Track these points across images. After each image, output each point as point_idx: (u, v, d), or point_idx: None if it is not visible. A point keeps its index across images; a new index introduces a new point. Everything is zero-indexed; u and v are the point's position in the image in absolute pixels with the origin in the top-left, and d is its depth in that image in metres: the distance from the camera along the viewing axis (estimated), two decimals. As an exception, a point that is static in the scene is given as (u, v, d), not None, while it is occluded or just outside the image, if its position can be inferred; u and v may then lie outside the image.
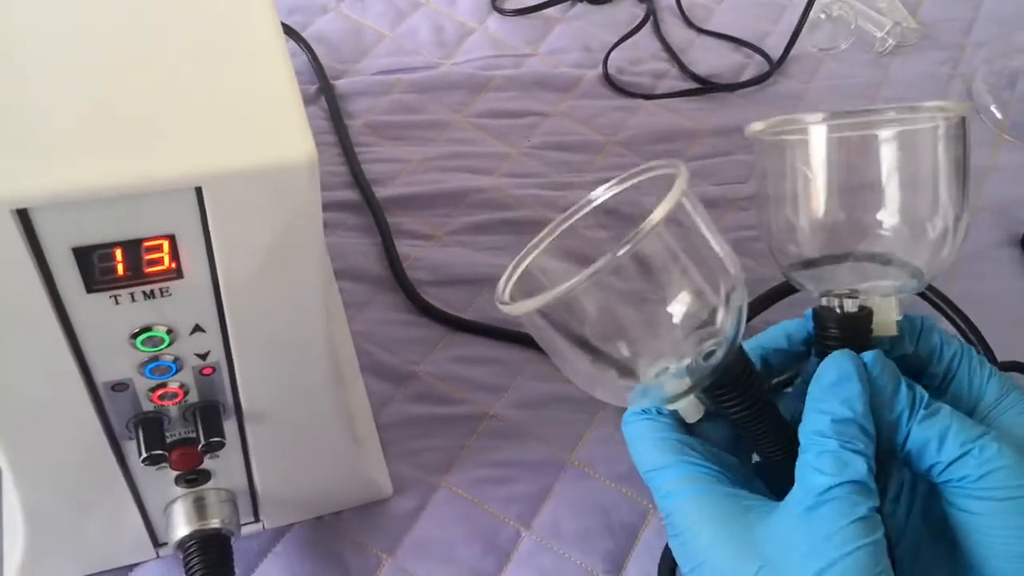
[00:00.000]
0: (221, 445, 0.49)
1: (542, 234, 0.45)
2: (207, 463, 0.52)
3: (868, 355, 0.42)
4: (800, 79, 1.00)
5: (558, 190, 0.83)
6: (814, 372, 0.42)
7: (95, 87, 0.39)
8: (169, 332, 0.43)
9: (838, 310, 0.44)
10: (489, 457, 0.65)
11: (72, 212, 0.37)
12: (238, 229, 0.40)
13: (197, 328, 0.44)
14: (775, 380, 0.47)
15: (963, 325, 0.67)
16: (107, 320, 0.41)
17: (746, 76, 0.99)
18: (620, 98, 0.94)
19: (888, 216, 0.43)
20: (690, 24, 1.04)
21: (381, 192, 0.81)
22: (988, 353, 0.68)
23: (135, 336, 0.43)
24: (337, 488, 0.60)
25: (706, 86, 0.97)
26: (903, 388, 0.41)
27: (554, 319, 0.40)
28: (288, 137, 0.39)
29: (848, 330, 0.43)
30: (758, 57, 1.01)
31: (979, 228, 0.86)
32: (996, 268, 0.83)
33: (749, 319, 0.42)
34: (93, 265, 0.39)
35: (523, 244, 0.46)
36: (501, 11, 1.01)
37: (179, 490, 0.53)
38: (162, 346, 0.44)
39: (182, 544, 0.53)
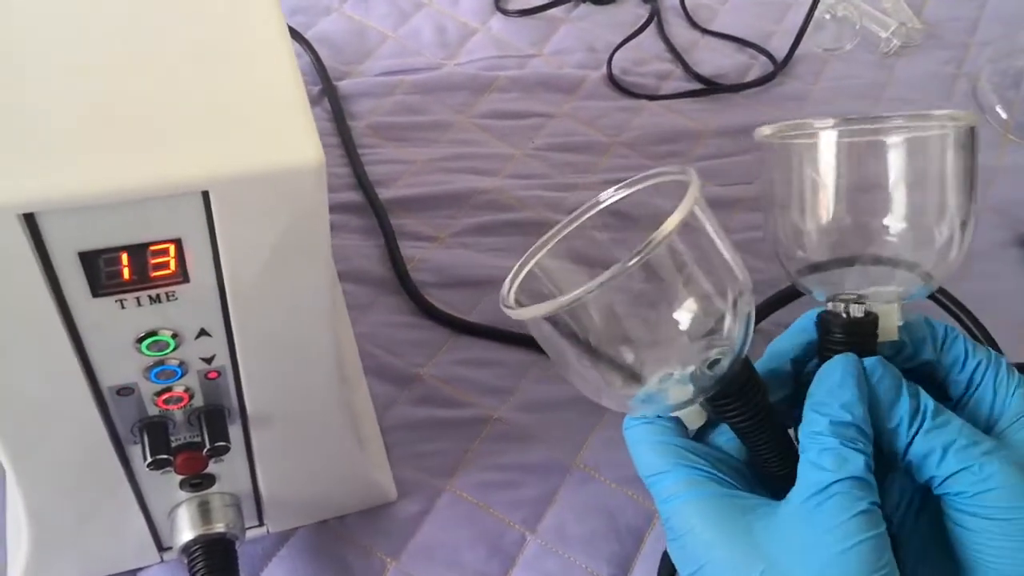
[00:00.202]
0: (226, 449, 0.49)
1: (547, 235, 0.45)
2: (211, 467, 0.52)
3: (869, 361, 0.42)
4: (805, 80, 0.99)
5: (562, 191, 0.83)
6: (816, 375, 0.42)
7: (101, 89, 0.39)
8: (174, 336, 0.43)
9: (844, 315, 0.43)
10: (494, 460, 0.65)
11: (78, 217, 0.37)
12: (245, 233, 0.40)
13: (203, 332, 0.44)
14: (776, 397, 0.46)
15: (973, 327, 0.67)
16: (112, 324, 0.41)
17: (751, 77, 0.99)
18: (624, 99, 0.94)
19: (895, 221, 0.43)
20: (694, 24, 1.04)
21: (384, 194, 0.81)
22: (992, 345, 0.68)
23: (140, 340, 0.43)
24: (341, 492, 0.60)
25: (710, 87, 0.96)
26: (904, 397, 0.41)
27: (560, 325, 0.40)
28: (295, 140, 0.39)
29: (854, 335, 0.43)
30: (763, 58, 1.01)
31: (984, 228, 0.85)
32: (1001, 268, 0.83)
33: (757, 322, 0.42)
34: (99, 269, 0.39)
35: (527, 245, 0.46)
36: (504, 12, 1.01)
37: (183, 494, 0.53)
38: (167, 350, 0.44)
39: (186, 548, 0.53)
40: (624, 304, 0.39)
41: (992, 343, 0.67)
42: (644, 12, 1.04)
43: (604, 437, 0.67)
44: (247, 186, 0.38)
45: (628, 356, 0.40)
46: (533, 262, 0.44)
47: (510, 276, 0.44)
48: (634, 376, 0.41)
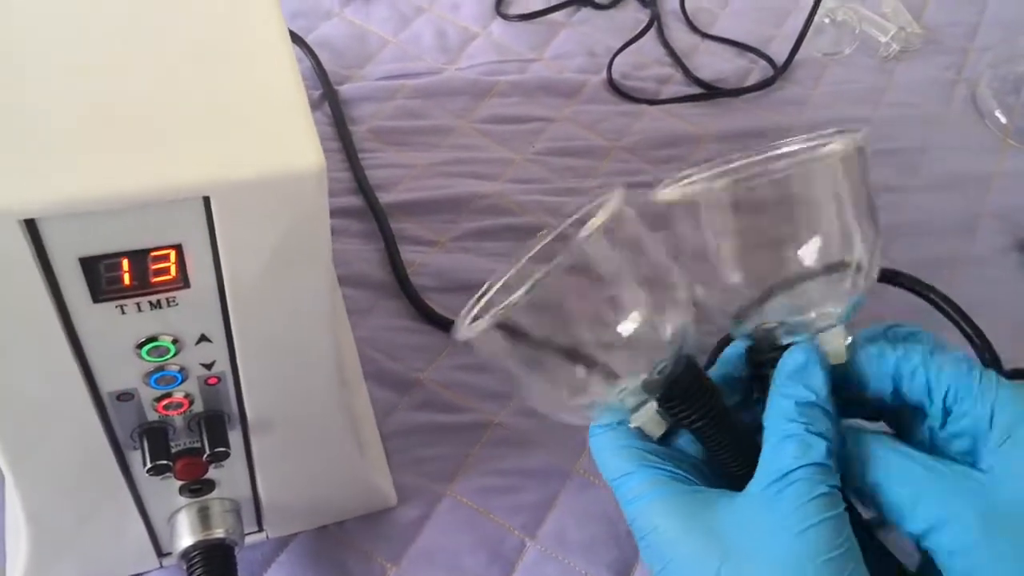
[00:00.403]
0: (226, 455, 0.48)
1: (502, 271, 0.45)
2: (211, 473, 0.52)
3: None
4: (805, 84, 1.00)
5: (562, 196, 0.83)
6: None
7: (102, 94, 0.39)
8: (175, 342, 0.43)
9: (768, 348, 0.44)
10: (494, 466, 0.65)
11: (79, 222, 0.36)
12: (245, 238, 0.40)
13: (203, 338, 0.43)
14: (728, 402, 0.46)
15: (972, 333, 0.67)
16: (113, 330, 0.41)
17: (751, 81, 0.99)
18: (624, 103, 0.94)
19: (806, 255, 0.42)
20: (694, 29, 1.04)
21: (385, 198, 0.81)
22: (995, 362, 0.68)
23: (141, 346, 0.42)
24: (341, 497, 0.60)
25: (710, 91, 0.96)
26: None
27: (502, 341, 0.40)
28: (296, 145, 0.39)
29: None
30: (763, 62, 1.01)
31: (984, 233, 0.86)
32: (1001, 273, 0.83)
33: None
34: (99, 275, 0.39)
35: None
36: (505, 16, 1.01)
37: (183, 500, 0.53)
38: (168, 356, 0.44)
39: (186, 554, 0.52)
40: (563, 315, 0.39)
41: (990, 349, 0.67)
42: (644, 17, 1.04)
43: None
44: (248, 191, 0.38)
45: (579, 372, 0.41)
46: (490, 294, 0.44)
47: (465, 308, 0.44)
48: (584, 390, 0.42)
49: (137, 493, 0.51)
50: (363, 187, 0.81)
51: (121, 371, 0.44)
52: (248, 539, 0.58)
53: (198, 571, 0.52)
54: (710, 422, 0.42)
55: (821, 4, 1.01)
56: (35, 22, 0.42)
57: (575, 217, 0.44)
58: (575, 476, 0.65)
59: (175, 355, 0.44)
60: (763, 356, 0.44)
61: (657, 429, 0.43)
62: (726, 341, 0.61)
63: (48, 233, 0.36)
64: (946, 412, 0.42)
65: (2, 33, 0.41)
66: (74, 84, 0.39)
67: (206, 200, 0.38)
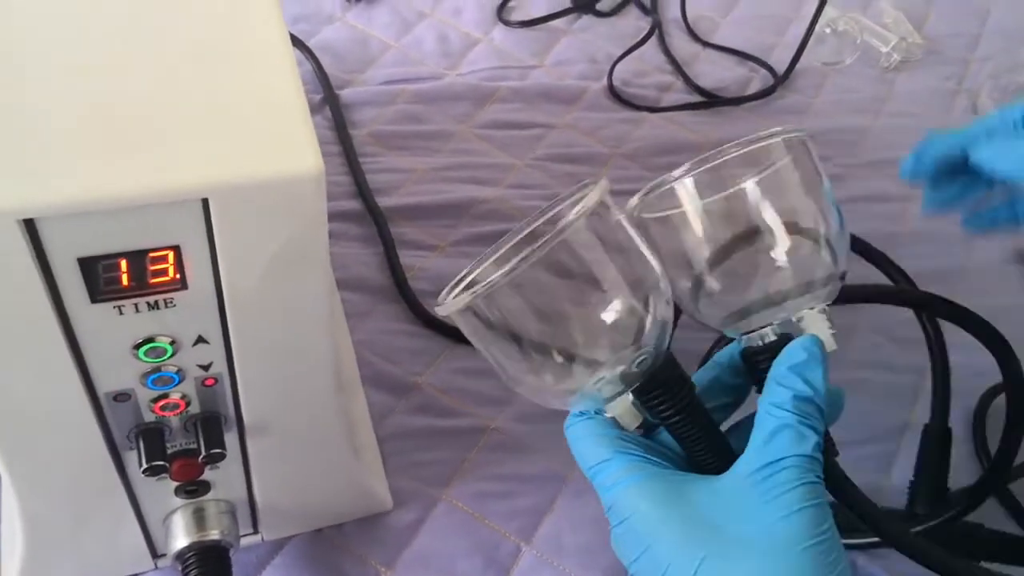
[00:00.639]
0: (222, 456, 0.49)
1: (491, 249, 0.45)
2: (207, 474, 0.52)
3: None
4: (805, 93, 1.00)
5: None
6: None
7: (101, 96, 0.39)
8: (172, 343, 0.43)
9: (760, 343, 0.45)
10: (490, 470, 0.65)
11: (78, 223, 0.37)
12: (243, 240, 0.40)
13: (200, 339, 0.44)
14: (713, 404, 0.47)
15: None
16: (110, 330, 0.41)
17: (751, 90, 0.99)
18: (625, 110, 0.94)
19: (777, 255, 0.44)
20: (695, 37, 1.04)
21: (384, 202, 0.81)
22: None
23: (138, 347, 0.43)
24: (337, 500, 0.60)
25: (711, 99, 0.97)
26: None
27: (486, 321, 0.41)
28: (295, 148, 0.39)
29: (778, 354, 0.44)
30: (763, 71, 1.01)
31: (983, 244, 0.86)
32: (1001, 284, 0.83)
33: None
34: (98, 275, 0.39)
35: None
36: (507, 22, 1.01)
37: (179, 501, 0.53)
38: (165, 357, 0.44)
39: (181, 555, 0.53)
40: (544, 299, 0.40)
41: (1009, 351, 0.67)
42: (646, 24, 1.04)
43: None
44: (247, 194, 0.38)
45: (555, 356, 0.41)
46: (476, 272, 0.44)
47: (450, 285, 0.44)
48: (564, 376, 0.42)
49: (133, 494, 0.51)
50: (363, 191, 0.81)
51: (118, 371, 0.44)
52: (243, 541, 0.58)
53: (193, 572, 0.52)
54: (685, 417, 0.43)
55: (822, 14, 1.01)
56: (35, 24, 0.42)
57: (561, 207, 0.44)
58: (571, 481, 0.65)
59: (172, 356, 0.44)
60: (757, 356, 0.45)
61: (632, 421, 0.44)
62: (718, 344, 0.62)
63: (47, 233, 0.37)
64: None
65: (2, 34, 0.41)
66: (73, 85, 0.39)
67: (205, 202, 0.38)
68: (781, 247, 0.43)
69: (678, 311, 0.46)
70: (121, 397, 0.45)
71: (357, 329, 0.72)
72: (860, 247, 0.61)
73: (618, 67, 0.98)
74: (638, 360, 0.42)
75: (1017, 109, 0.54)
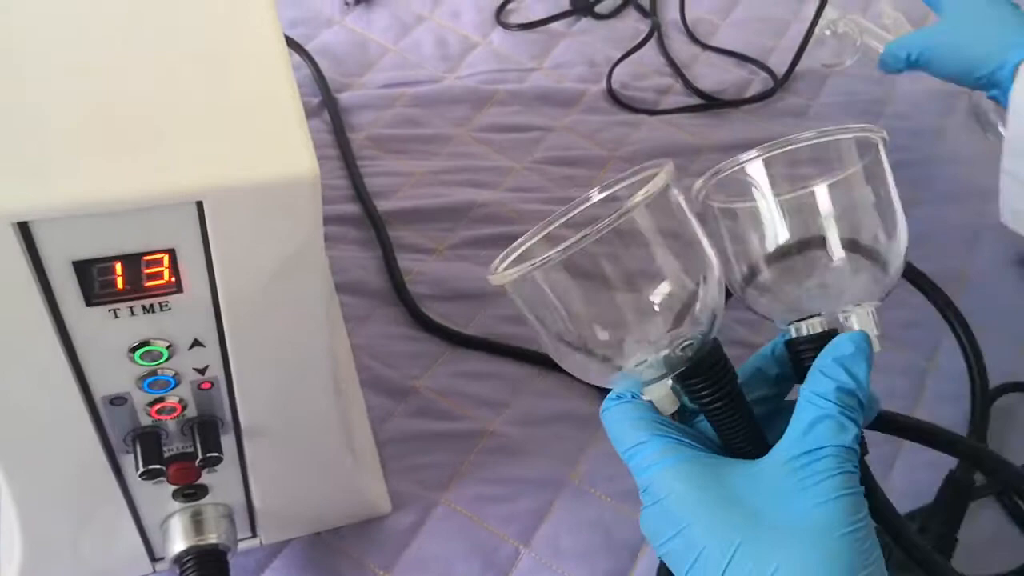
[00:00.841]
0: (218, 460, 0.48)
1: (540, 225, 0.45)
2: (204, 478, 0.52)
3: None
4: (805, 95, 1.00)
5: (560, 205, 0.82)
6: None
7: (96, 99, 0.39)
8: (168, 347, 0.43)
9: (806, 331, 0.45)
10: (489, 474, 0.65)
11: (73, 226, 0.37)
12: (239, 244, 0.40)
13: (196, 343, 0.44)
14: (754, 395, 0.47)
15: (968, 345, 0.67)
16: (106, 334, 0.41)
17: (751, 92, 0.99)
18: (623, 113, 0.94)
19: (836, 255, 0.44)
20: (695, 39, 1.04)
21: (383, 205, 0.81)
22: (981, 375, 0.68)
23: (134, 350, 0.43)
24: (335, 504, 0.60)
25: (710, 102, 0.97)
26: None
27: (537, 295, 0.41)
28: (290, 152, 0.39)
29: (819, 348, 0.44)
30: (763, 73, 1.01)
31: (985, 246, 0.85)
32: (1004, 286, 0.83)
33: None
34: (93, 279, 0.39)
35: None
36: (505, 25, 1.01)
37: (176, 504, 0.53)
38: (161, 360, 0.44)
39: (179, 559, 0.53)
40: (597, 278, 0.40)
41: (979, 361, 0.67)
42: (644, 27, 1.04)
43: (600, 451, 0.67)
44: (241, 197, 0.38)
45: (602, 335, 0.42)
46: (529, 244, 0.44)
47: (504, 253, 0.44)
48: (610, 357, 0.42)
49: (130, 498, 0.51)
50: (361, 195, 0.81)
51: (114, 375, 0.44)
52: (241, 545, 0.58)
53: (191, 576, 0.52)
54: (726, 404, 0.43)
55: (822, 16, 1.01)
56: (29, 28, 0.42)
57: (618, 187, 0.44)
58: (570, 484, 0.65)
59: (168, 359, 0.44)
60: (802, 346, 0.45)
61: (670, 406, 0.44)
62: None
63: (41, 236, 0.37)
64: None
65: (3, 44, 0.41)
66: (68, 88, 0.39)
67: (199, 205, 0.38)
68: (841, 249, 0.44)
69: (728, 294, 0.46)
70: (117, 401, 0.45)
71: (356, 333, 0.72)
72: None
73: (617, 70, 0.98)
74: (684, 344, 0.42)
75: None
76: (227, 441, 0.50)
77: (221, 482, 0.53)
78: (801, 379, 0.43)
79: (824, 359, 0.43)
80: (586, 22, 1.04)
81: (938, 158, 0.93)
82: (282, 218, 0.40)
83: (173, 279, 0.40)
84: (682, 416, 0.46)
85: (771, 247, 0.44)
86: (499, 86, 0.94)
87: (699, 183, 0.45)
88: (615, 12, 1.06)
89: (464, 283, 0.76)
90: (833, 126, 0.44)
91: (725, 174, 0.44)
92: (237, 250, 0.40)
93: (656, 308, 0.41)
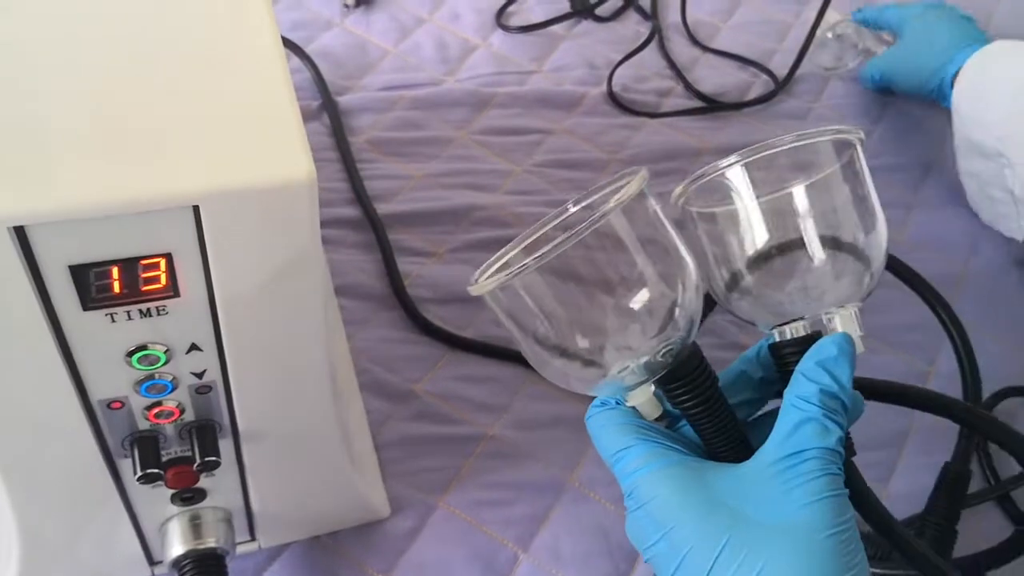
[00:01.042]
0: (217, 464, 0.48)
1: (519, 238, 0.46)
2: (203, 481, 0.52)
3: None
4: (805, 98, 0.99)
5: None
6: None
7: (93, 103, 0.39)
8: (165, 351, 0.43)
9: (790, 334, 0.45)
10: (488, 478, 0.65)
11: (69, 230, 0.36)
12: (236, 248, 0.40)
13: (194, 347, 0.43)
14: (737, 399, 0.48)
15: (962, 349, 0.67)
16: (103, 338, 0.41)
17: (752, 95, 0.99)
18: (624, 116, 0.94)
19: (817, 257, 0.44)
20: (696, 42, 1.04)
21: (382, 209, 0.81)
22: (975, 381, 0.68)
23: (131, 354, 0.42)
24: (334, 508, 0.60)
25: (711, 104, 0.96)
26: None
27: (516, 303, 0.42)
28: (287, 156, 0.39)
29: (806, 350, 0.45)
30: (764, 76, 1.01)
31: (984, 250, 0.85)
32: (1003, 288, 0.82)
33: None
34: (89, 283, 0.39)
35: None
36: (505, 28, 1.01)
37: (174, 508, 0.53)
38: (158, 364, 0.43)
39: (177, 563, 0.52)
40: (575, 284, 0.41)
41: (972, 368, 0.67)
42: (645, 29, 1.04)
43: (599, 456, 0.66)
44: (238, 201, 0.38)
45: (582, 342, 0.42)
46: (511, 255, 0.45)
47: (486, 264, 0.45)
48: (592, 362, 0.43)
49: (128, 501, 0.51)
50: (361, 197, 0.81)
51: (111, 379, 0.44)
52: (240, 548, 0.57)
53: (189, 581, 0.52)
54: (707, 408, 0.43)
55: (823, 19, 1.01)
56: (25, 34, 0.42)
57: (597, 196, 0.44)
58: (569, 489, 0.65)
59: (166, 364, 0.44)
60: (786, 349, 0.45)
61: (653, 411, 0.44)
62: None
63: (37, 240, 0.36)
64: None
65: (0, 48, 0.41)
66: (64, 93, 0.39)
67: (196, 209, 0.38)
68: (822, 250, 0.44)
69: (710, 302, 0.46)
70: (115, 405, 0.45)
71: (355, 336, 0.72)
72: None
73: (617, 72, 0.98)
74: (664, 350, 0.42)
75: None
76: (225, 445, 0.50)
77: (219, 486, 0.53)
78: (786, 383, 0.44)
79: (807, 362, 0.43)
80: (586, 24, 1.04)
81: (938, 161, 0.93)
82: (279, 222, 0.40)
83: (170, 283, 0.40)
84: (666, 422, 0.46)
85: (751, 251, 0.45)
86: (499, 89, 0.94)
87: (679, 189, 0.45)
88: (616, 14, 1.06)
89: (464, 286, 0.74)
90: (812, 129, 0.44)
91: (705, 180, 0.45)
92: (234, 254, 0.40)
93: (635, 314, 0.41)
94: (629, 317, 0.42)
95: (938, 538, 0.60)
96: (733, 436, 0.44)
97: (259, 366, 0.46)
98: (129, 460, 0.48)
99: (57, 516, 0.51)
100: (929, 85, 0.89)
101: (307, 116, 0.88)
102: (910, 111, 0.99)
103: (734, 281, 0.46)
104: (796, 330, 0.45)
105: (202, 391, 0.46)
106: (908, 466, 0.69)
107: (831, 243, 0.44)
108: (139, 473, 0.47)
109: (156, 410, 0.46)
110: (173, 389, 0.45)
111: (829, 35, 1.05)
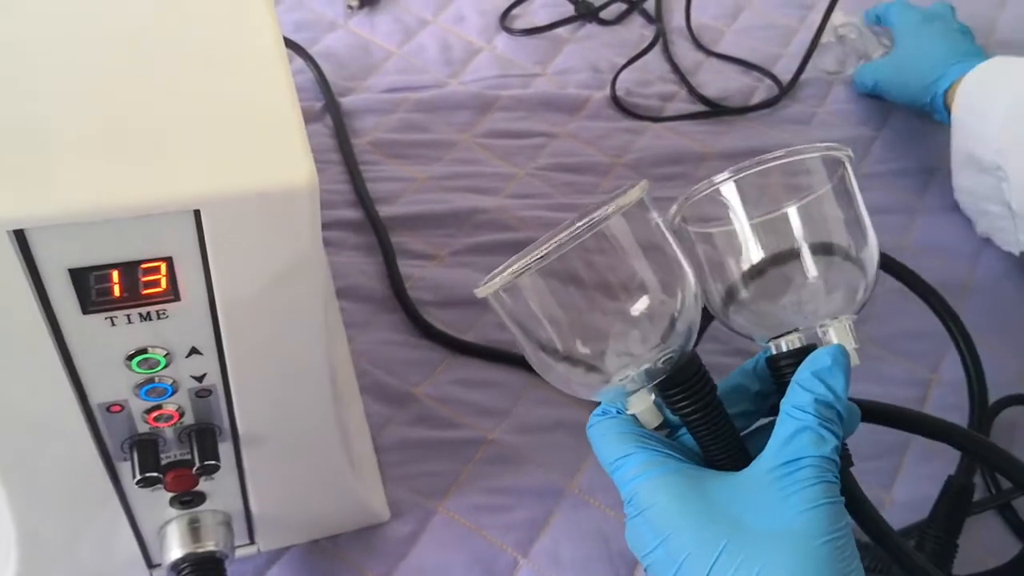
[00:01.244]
0: (216, 468, 0.48)
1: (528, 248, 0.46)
2: (202, 485, 0.52)
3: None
4: (809, 103, 0.99)
5: (563, 211, 0.83)
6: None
7: (93, 106, 0.39)
8: (165, 354, 0.43)
9: (785, 347, 0.46)
10: (488, 483, 0.65)
11: (69, 234, 0.36)
12: (236, 252, 0.40)
13: (194, 351, 0.43)
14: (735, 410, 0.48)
15: (969, 356, 0.66)
16: (103, 341, 0.41)
17: (755, 99, 0.98)
18: (627, 120, 0.94)
19: (810, 271, 0.45)
20: (700, 46, 1.04)
21: (385, 211, 0.80)
22: (981, 389, 0.68)
23: (131, 358, 0.42)
24: (334, 511, 0.59)
25: (714, 109, 0.96)
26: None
27: (519, 308, 0.42)
28: (288, 160, 0.39)
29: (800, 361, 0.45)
30: (768, 80, 1.01)
31: (991, 257, 0.85)
32: (1007, 296, 0.82)
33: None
34: (89, 286, 0.39)
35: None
36: (509, 30, 1.01)
37: (173, 511, 0.53)
38: (158, 368, 0.43)
39: (176, 566, 0.52)
40: (576, 290, 0.41)
41: (979, 375, 0.67)
42: (649, 33, 1.03)
43: (599, 461, 0.66)
44: (239, 205, 0.38)
45: (582, 348, 0.43)
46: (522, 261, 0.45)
47: (497, 271, 0.45)
48: (594, 368, 0.43)
49: (127, 504, 0.51)
50: (363, 200, 0.81)
51: (111, 383, 0.43)
52: (239, 552, 0.57)
53: (187, 584, 0.51)
54: (705, 414, 0.44)
55: (827, 23, 1.00)
56: (25, 37, 0.41)
57: (605, 206, 0.45)
58: (569, 494, 0.65)
59: (165, 367, 0.43)
60: (782, 361, 0.46)
61: (653, 420, 0.45)
62: None
63: (37, 244, 0.36)
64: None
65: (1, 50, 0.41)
66: (65, 96, 0.39)
67: (196, 214, 0.37)
68: (815, 265, 0.45)
69: (707, 315, 0.47)
70: (114, 408, 0.45)
71: (356, 339, 0.72)
72: (882, 261, 0.62)
73: (621, 76, 0.97)
74: (664, 358, 0.43)
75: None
76: (225, 448, 0.49)
77: (219, 489, 0.52)
78: (782, 395, 0.44)
79: (802, 373, 0.43)
80: (590, 28, 1.04)
81: (941, 167, 0.92)
82: (280, 226, 0.40)
83: (170, 287, 0.40)
84: (666, 431, 0.47)
85: (746, 267, 0.45)
86: (503, 91, 0.94)
87: (673, 208, 0.46)
88: (620, 18, 1.05)
89: (465, 290, 0.75)
90: (805, 145, 0.45)
91: (698, 197, 0.45)
92: (235, 258, 0.40)
93: (636, 320, 0.42)
94: (630, 323, 0.42)
95: (938, 551, 0.60)
96: (731, 444, 0.45)
97: (259, 370, 0.46)
98: (128, 463, 0.48)
99: (56, 518, 0.51)
100: (922, 100, 0.90)
101: (310, 117, 0.88)
102: (914, 116, 0.99)
103: (730, 296, 0.46)
104: (792, 342, 0.46)
105: (202, 395, 0.46)
106: (909, 474, 0.69)
107: (824, 259, 0.45)
108: (138, 476, 0.47)
109: (156, 413, 0.46)
110: (173, 393, 0.45)
111: (832, 38, 1.04)
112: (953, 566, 0.60)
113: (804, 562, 0.39)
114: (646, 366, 0.43)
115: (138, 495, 0.51)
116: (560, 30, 1.03)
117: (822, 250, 0.45)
